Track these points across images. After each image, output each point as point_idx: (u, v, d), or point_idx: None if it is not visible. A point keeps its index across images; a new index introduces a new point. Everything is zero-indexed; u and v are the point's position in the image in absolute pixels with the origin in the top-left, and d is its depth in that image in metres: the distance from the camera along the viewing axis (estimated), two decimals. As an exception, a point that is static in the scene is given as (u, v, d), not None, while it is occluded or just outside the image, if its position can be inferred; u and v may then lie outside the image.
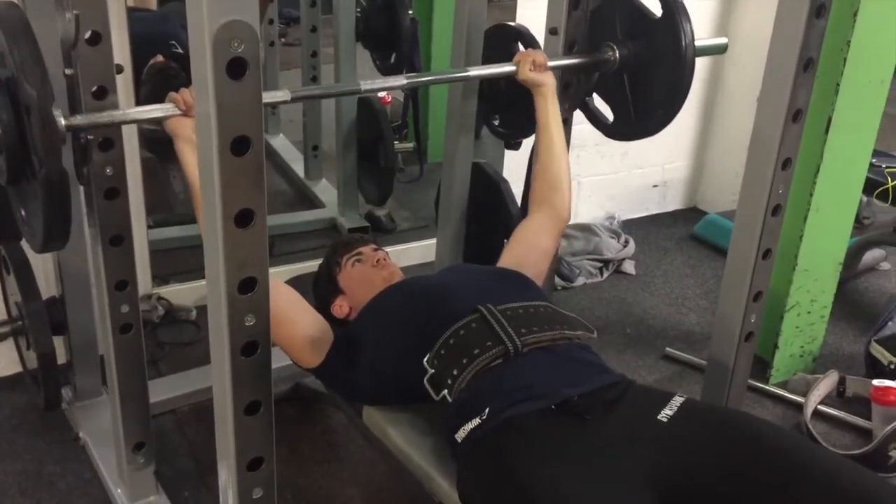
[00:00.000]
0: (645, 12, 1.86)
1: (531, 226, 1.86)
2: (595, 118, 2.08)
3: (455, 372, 1.45)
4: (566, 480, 1.26)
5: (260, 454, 1.06)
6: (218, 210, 0.91)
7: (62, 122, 1.30)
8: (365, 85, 1.75)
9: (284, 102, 1.60)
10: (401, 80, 1.87)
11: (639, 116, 1.93)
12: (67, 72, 1.45)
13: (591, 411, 1.38)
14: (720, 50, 2.09)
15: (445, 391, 1.46)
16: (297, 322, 1.59)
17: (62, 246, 1.38)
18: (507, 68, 1.88)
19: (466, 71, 1.95)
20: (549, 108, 1.89)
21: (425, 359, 1.49)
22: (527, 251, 1.81)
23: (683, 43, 1.78)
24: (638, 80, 1.90)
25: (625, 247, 3.24)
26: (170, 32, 3.17)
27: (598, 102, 2.06)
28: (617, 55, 1.89)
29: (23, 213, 1.39)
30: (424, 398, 1.49)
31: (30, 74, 1.21)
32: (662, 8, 1.80)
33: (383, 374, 1.58)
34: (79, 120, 1.42)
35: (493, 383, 1.43)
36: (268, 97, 1.57)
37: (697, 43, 1.80)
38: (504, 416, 1.37)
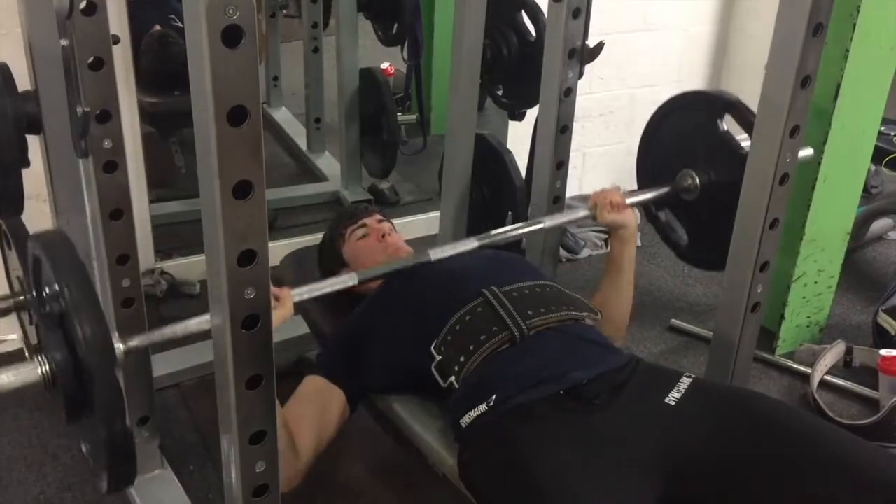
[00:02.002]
0: (734, 146, 1.78)
1: None
2: (667, 236, 2.03)
3: (462, 358, 1.45)
4: (573, 467, 1.25)
5: (262, 428, 1.06)
6: (216, 181, 0.89)
7: (121, 349, 1.28)
8: (435, 254, 1.69)
9: (353, 288, 1.61)
10: (472, 244, 1.74)
11: (717, 246, 1.78)
12: (63, 43, 1.43)
13: (600, 395, 1.36)
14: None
15: (453, 378, 1.45)
16: (326, 431, 1.52)
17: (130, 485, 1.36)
18: (582, 213, 1.83)
19: (541, 223, 1.86)
20: (625, 251, 1.79)
21: (433, 345, 1.48)
22: None
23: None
24: (719, 209, 1.81)
25: (630, 218, 3.22)
26: (169, 5, 3.14)
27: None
28: (697, 182, 1.82)
29: (86, 448, 1.33)
30: (434, 388, 1.48)
31: (85, 321, 1.11)
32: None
33: (392, 364, 1.57)
34: (136, 342, 1.35)
35: (500, 369, 1.42)
36: (334, 283, 1.61)
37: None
38: (512, 404, 1.36)
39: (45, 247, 1.19)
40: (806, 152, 1.91)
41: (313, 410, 1.51)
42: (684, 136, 1.93)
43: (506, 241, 1.80)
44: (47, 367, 1.17)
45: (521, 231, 1.87)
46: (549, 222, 1.88)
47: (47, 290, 1.22)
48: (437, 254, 1.69)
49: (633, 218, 1.81)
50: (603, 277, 1.84)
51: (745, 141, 1.73)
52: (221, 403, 1.06)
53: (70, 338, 1.15)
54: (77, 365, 1.16)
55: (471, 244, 1.74)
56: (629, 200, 1.82)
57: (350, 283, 1.60)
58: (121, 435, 1.16)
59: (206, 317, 1.20)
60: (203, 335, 1.23)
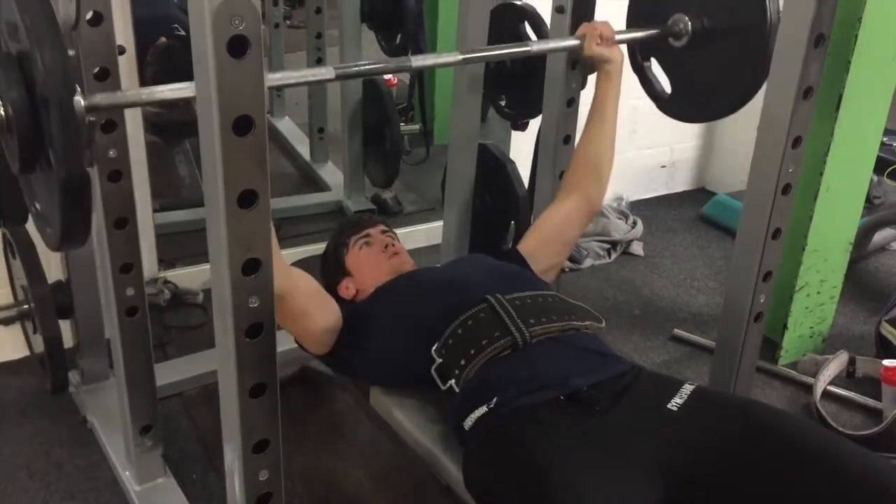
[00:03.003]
0: None
1: (561, 211, 1.82)
2: (651, 88, 1.95)
3: (462, 362, 1.45)
4: (577, 463, 1.25)
5: (266, 436, 1.06)
6: (220, 191, 0.90)
7: (81, 103, 1.15)
8: (416, 61, 1.63)
9: (330, 80, 1.51)
10: (457, 57, 1.69)
11: (704, 97, 1.79)
12: (69, 53, 1.44)
13: (601, 401, 1.37)
14: None
15: (452, 381, 1.45)
16: (315, 316, 1.56)
17: (82, 244, 1.26)
18: (570, 42, 1.78)
19: (528, 46, 1.81)
20: (611, 88, 1.79)
21: (433, 348, 1.48)
22: (552, 237, 1.79)
23: (769, 25, 1.62)
24: (708, 57, 1.77)
25: (633, 228, 3.23)
26: (173, 15, 3.16)
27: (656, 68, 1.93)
28: (689, 28, 1.76)
29: (37, 206, 1.27)
30: (430, 383, 1.49)
31: (45, 49, 1.04)
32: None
33: (390, 361, 1.57)
34: (98, 100, 1.23)
35: (501, 374, 1.42)
36: (312, 74, 1.53)
37: None
38: (513, 406, 1.36)
39: None
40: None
41: (318, 290, 1.55)
42: None
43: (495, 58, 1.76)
44: (1, 110, 1.09)
45: (511, 50, 1.83)
46: (535, 47, 1.81)
47: (4, 27, 1.14)
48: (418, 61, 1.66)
49: (619, 54, 1.79)
50: (586, 123, 1.82)
51: None
52: (225, 412, 1.06)
53: (28, 74, 1.07)
54: (34, 103, 1.08)
55: (454, 57, 1.70)
56: (618, 38, 1.78)
57: (327, 76, 1.52)
58: (78, 176, 1.07)
59: (179, 85, 1.16)
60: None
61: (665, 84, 1.94)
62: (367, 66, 1.76)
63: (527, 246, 1.80)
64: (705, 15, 1.76)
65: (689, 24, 1.77)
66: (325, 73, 1.48)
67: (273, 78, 1.46)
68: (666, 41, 1.83)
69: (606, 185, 1.82)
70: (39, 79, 1.05)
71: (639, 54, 1.95)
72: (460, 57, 1.68)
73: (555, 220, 1.82)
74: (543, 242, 1.79)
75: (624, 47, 1.84)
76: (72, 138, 1.06)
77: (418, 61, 1.66)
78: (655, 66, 1.94)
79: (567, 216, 1.81)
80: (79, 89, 1.14)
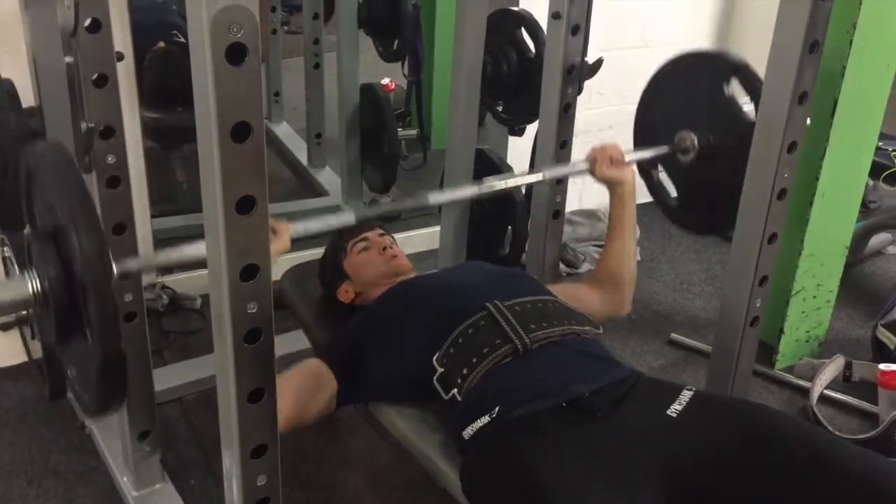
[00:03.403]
0: (738, 111, 1.75)
1: (586, 290, 1.81)
2: (658, 194, 2.00)
3: (465, 371, 1.45)
4: (577, 475, 1.25)
5: (264, 441, 1.06)
6: (219, 197, 0.90)
7: (114, 271, 1.14)
8: (433, 198, 1.74)
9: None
10: (474, 190, 1.78)
11: (709, 209, 1.80)
12: (67, 59, 1.45)
13: (602, 408, 1.37)
14: None
15: (455, 390, 1.45)
16: (307, 412, 1.53)
17: (118, 411, 1.25)
18: (581, 167, 1.82)
19: (539, 175, 1.85)
20: (625, 211, 1.80)
21: (434, 358, 1.49)
22: (572, 299, 1.73)
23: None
24: (714, 173, 1.80)
25: (630, 233, 3.23)
26: (171, 21, 3.17)
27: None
28: (696, 144, 1.80)
29: (72, 372, 1.26)
30: (433, 397, 1.49)
31: (82, 232, 1.04)
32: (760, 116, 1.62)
33: (392, 374, 1.57)
34: (129, 265, 1.26)
35: (503, 382, 1.43)
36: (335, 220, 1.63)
37: None
38: (514, 415, 1.37)
39: (41, 157, 1.12)
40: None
41: (305, 388, 1.52)
42: (687, 96, 1.88)
43: (503, 190, 1.79)
44: (38, 283, 1.10)
45: (521, 180, 1.87)
46: (548, 174, 1.86)
47: (41, 204, 1.15)
48: (435, 198, 1.74)
49: (630, 175, 1.80)
50: (606, 243, 1.84)
51: (747, 105, 1.72)
52: (223, 417, 1.06)
53: (65, 251, 1.07)
54: (70, 280, 1.08)
55: (470, 191, 1.78)
56: (627, 158, 1.80)
57: (347, 221, 1.59)
58: (115, 354, 1.08)
59: (200, 244, 1.12)
60: (199, 264, 1.14)
61: (671, 189, 1.98)
62: (388, 207, 1.86)
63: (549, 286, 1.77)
64: (711, 132, 1.79)
65: (696, 140, 1.81)
66: (347, 218, 1.61)
67: (296, 227, 1.53)
68: (674, 156, 1.86)
69: (629, 294, 1.82)
70: (77, 261, 1.05)
71: (647, 165, 1.99)
72: (478, 191, 1.77)
73: (577, 293, 1.79)
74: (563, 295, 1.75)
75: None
76: (109, 319, 1.07)
77: (435, 198, 1.76)
78: (662, 172, 1.98)
79: (590, 304, 1.75)
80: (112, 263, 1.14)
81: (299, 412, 1.50)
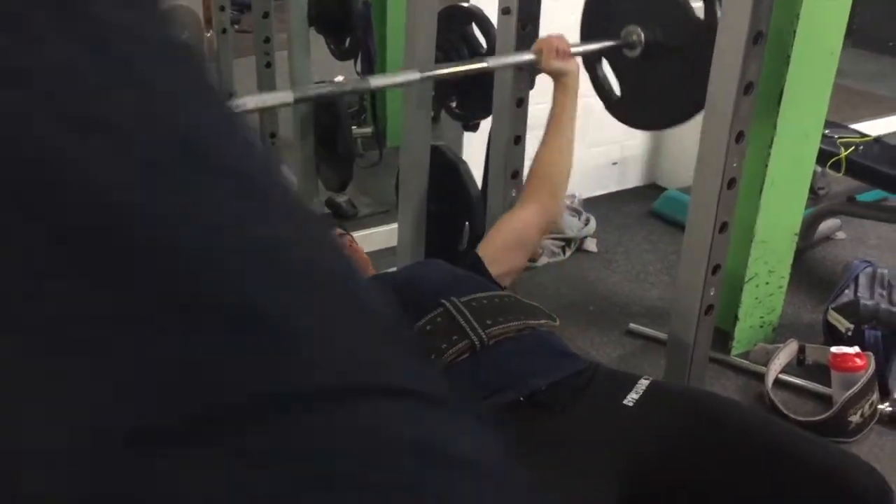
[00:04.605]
0: (688, 9, 1.74)
1: (520, 217, 1.82)
2: (602, 88, 1.97)
3: None
4: (535, 471, 1.26)
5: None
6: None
7: None
8: (375, 81, 1.68)
9: (288, 105, 1.55)
10: (415, 75, 1.75)
11: (651, 106, 1.82)
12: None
13: (559, 401, 1.38)
14: None
15: None
16: None
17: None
18: (526, 57, 1.79)
19: (485, 62, 1.83)
20: (568, 100, 1.79)
21: None
22: (513, 242, 1.78)
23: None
24: (659, 70, 1.80)
25: (586, 225, 3.26)
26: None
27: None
28: (642, 39, 1.78)
29: None
30: None
31: None
32: (707, 14, 1.66)
33: None
34: None
35: (462, 379, 1.43)
36: (270, 99, 1.53)
37: None
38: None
39: None
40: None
41: None
42: None
43: (452, 75, 1.79)
44: None
45: (468, 67, 1.86)
46: (492, 62, 1.84)
47: None
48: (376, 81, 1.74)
49: (576, 66, 1.79)
50: (544, 135, 1.82)
51: (696, 2, 1.71)
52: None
53: None
54: None
55: (413, 75, 1.76)
56: (574, 50, 1.79)
57: (287, 101, 1.56)
58: None
59: None
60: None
61: (615, 85, 1.97)
62: (327, 90, 1.78)
63: (487, 249, 1.81)
64: (658, 27, 1.79)
65: (643, 35, 1.80)
66: (285, 97, 1.49)
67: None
68: (619, 51, 1.86)
69: (563, 196, 1.83)
70: None
71: (591, 56, 1.98)
72: (419, 75, 1.69)
73: (515, 225, 1.82)
74: (504, 246, 1.80)
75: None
76: None
77: (377, 81, 1.68)
78: (606, 67, 1.97)
79: (526, 223, 1.81)
80: None
81: None
